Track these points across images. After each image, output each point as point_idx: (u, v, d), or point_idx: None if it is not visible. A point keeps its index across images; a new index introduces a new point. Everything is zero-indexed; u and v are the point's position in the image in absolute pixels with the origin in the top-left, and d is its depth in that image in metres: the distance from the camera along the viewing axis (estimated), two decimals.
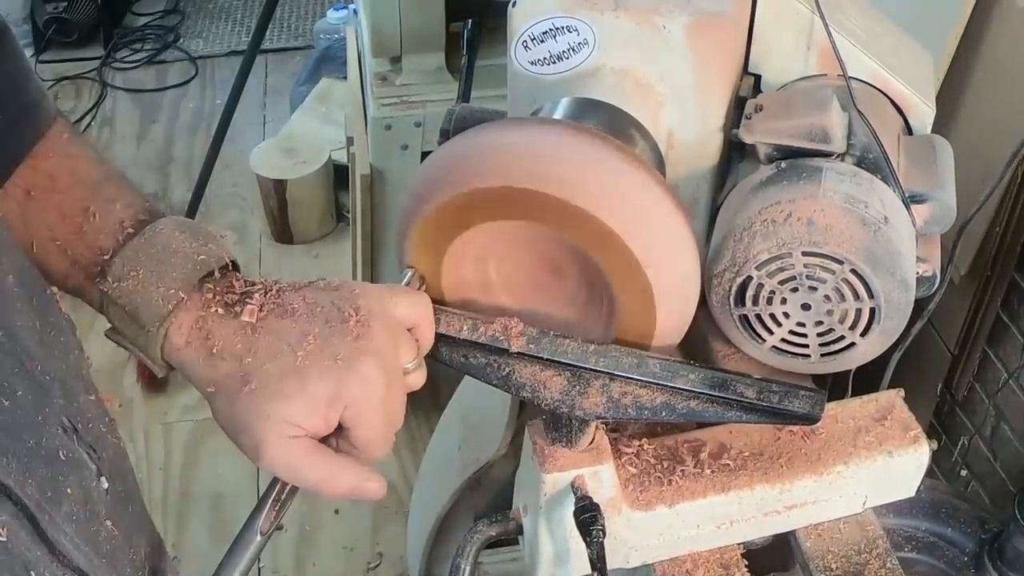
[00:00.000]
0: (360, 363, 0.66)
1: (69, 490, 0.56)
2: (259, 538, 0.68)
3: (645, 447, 0.85)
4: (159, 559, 0.69)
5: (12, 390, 0.53)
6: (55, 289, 0.64)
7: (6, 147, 0.69)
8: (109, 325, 0.70)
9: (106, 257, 0.69)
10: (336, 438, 0.69)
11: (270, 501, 0.69)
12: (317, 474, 0.66)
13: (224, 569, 0.67)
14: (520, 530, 0.86)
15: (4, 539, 0.50)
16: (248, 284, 0.70)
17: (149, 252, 0.68)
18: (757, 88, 0.93)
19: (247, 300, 0.68)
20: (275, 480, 0.70)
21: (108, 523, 0.60)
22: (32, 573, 0.51)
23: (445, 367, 0.78)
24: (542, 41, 0.87)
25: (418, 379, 0.73)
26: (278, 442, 0.65)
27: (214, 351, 0.67)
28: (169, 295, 0.67)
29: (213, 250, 0.70)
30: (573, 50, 0.87)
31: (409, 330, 0.72)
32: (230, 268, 0.71)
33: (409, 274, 0.78)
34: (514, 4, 0.88)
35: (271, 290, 0.69)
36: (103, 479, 0.60)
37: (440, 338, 0.77)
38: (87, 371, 0.64)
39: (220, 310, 0.68)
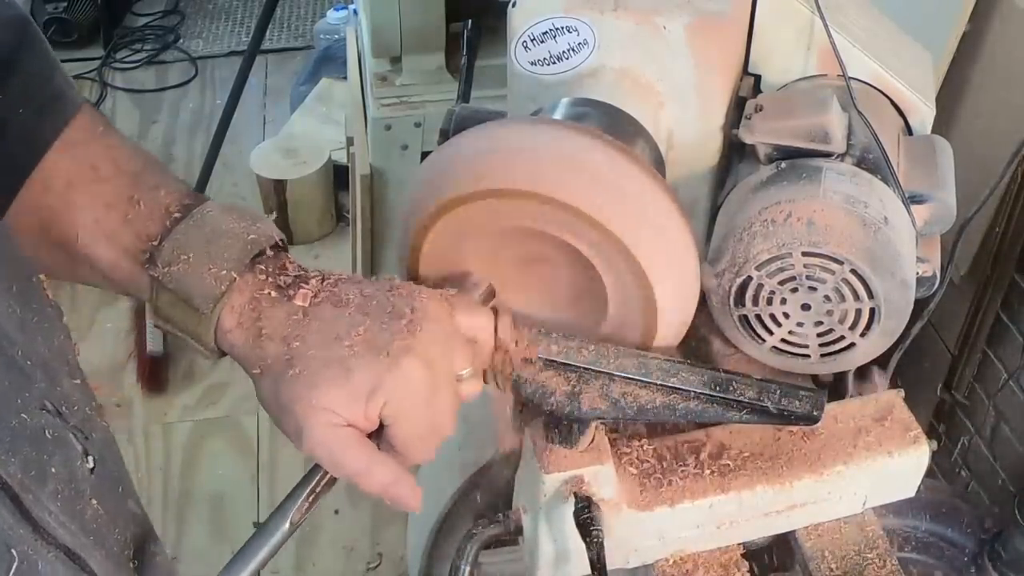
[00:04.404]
0: (405, 361, 0.66)
1: (54, 469, 0.56)
2: (287, 526, 0.68)
3: (645, 447, 0.85)
4: (147, 539, 0.68)
5: None
6: (43, 277, 0.64)
7: (33, 137, 0.69)
8: (156, 315, 0.70)
9: (155, 243, 0.68)
10: (379, 439, 0.69)
11: (306, 492, 0.69)
12: (355, 464, 0.67)
13: (248, 550, 0.67)
14: (520, 530, 0.86)
15: None
16: (302, 269, 0.70)
17: (198, 235, 0.68)
18: (757, 88, 0.93)
19: (301, 284, 0.68)
20: (312, 472, 0.70)
21: (94, 502, 0.60)
22: (14, 551, 0.51)
23: None
24: (542, 41, 0.87)
25: (473, 388, 0.73)
26: (320, 428, 0.65)
27: (263, 332, 0.67)
28: (221, 276, 0.66)
29: (262, 229, 0.69)
30: (573, 50, 0.87)
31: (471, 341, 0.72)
32: (280, 247, 0.71)
33: (483, 288, 0.77)
34: (514, 4, 0.88)
35: (328, 279, 0.69)
36: (89, 458, 0.60)
37: None
38: (73, 356, 0.64)
39: (273, 292, 0.67)
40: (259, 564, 0.68)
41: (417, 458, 0.69)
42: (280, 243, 0.70)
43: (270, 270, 0.68)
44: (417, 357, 0.66)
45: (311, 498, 0.69)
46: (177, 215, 0.69)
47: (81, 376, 0.64)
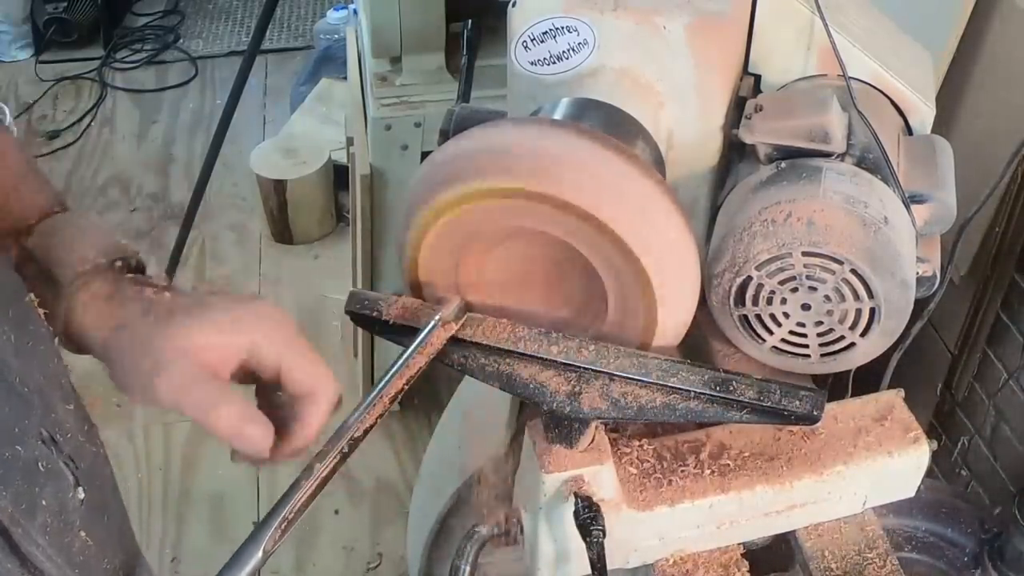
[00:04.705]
0: (259, 303, 0.69)
1: (44, 502, 0.55)
2: (260, 556, 0.66)
3: (645, 447, 0.85)
4: (135, 565, 0.68)
5: None
6: (33, 297, 0.64)
7: None
8: None
9: (32, 223, 0.71)
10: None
11: (278, 520, 0.68)
12: (205, 398, 0.65)
13: None
14: (520, 530, 0.86)
15: None
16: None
17: (71, 226, 0.71)
18: (757, 88, 0.93)
19: (154, 280, 0.71)
20: (284, 498, 0.69)
21: (82, 533, 0.59)
22: None
23: (445, 367, 0.78)
24: (542, 41, 0.87)
25: None
26: (176, 368, 0.65)
27: (120, 296, 0.69)
28: (87, 258, 0.69)
29: (128, 245, 0.73)
30: (573, 50, 0.87)
31: None
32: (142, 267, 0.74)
33: (454, 302, 0.77)
34: (514, 4, 0.88)
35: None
36: (80, 489, 0.60)
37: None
38: (66, 380, 0.64)
39: (129, 275, 0.71)
40: None
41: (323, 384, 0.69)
42: (140, 264, 0.74)
43: (130, 271, 0.71)
44: (268, 303, 0.70)
45: (284, 526, 0.68)
46: (56, 210, 0.73)
47: (75, 400, 0.64)
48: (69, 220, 0.72)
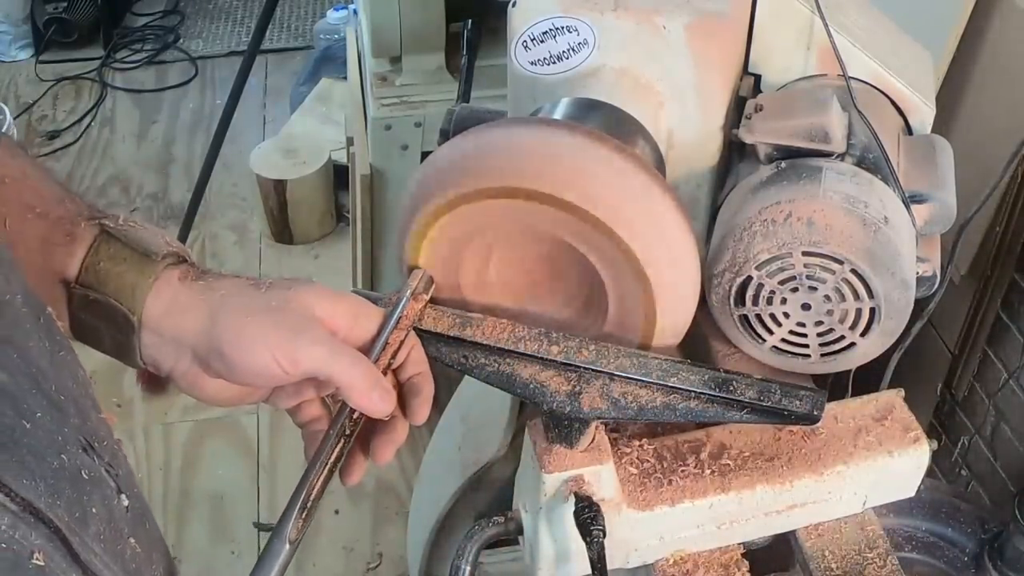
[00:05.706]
0: None
1: (94, 509, 0.55)
2: (287, 547, 0.67)
3: (645, 447, 0.85)
4: (174, 572, 0.69)
5: (32, 412, 0.52)
6: (51, 310, 0.64)
7: None
8: (79, 283, 0.70)
9: (98, 215, 0.72)
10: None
11: (296, 509, 0.69)
12: (351, 354, 0.69)
13: None
14: (520, 530, 0.86)
15: (41, 563, 0.49)
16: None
17: (134, 222, 0.72)
18: (757, 88, 0.93)
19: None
20: (300, 487, 0.69)
21: (131, 540, 0.59)
22: None
23: (445, 367, 0.78)
24: (542, 41, 0.87)
25: None
26: (318, 330, 0.69)
27: (213, 271, 0.72)
28: (169, 240, 0.71)
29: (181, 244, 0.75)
30: (573, 50, 0.87)
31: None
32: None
33: (420, 274, 0.78)
34: (514, 4, 0.88)
35: None
36: (123, 496, 0.60)
37: (433, 336, 0.77)
38: (91, 389, 0.64)
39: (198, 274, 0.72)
40: None
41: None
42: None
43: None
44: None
45: (304, 514, 0.69)
46: (97, 215, 0.73)
47: (100, 410, 0.64)
48: (126, 221, 0.73)
